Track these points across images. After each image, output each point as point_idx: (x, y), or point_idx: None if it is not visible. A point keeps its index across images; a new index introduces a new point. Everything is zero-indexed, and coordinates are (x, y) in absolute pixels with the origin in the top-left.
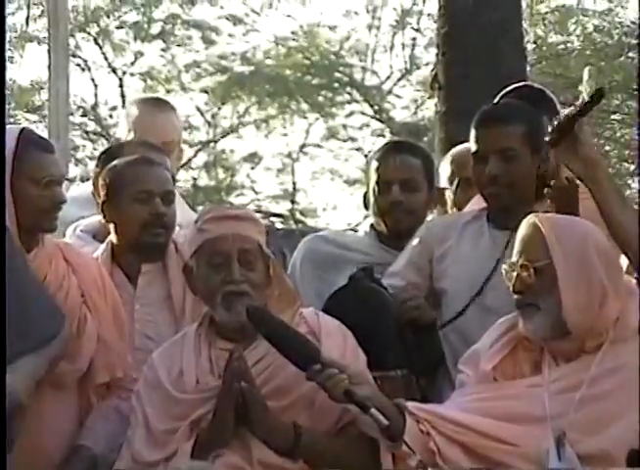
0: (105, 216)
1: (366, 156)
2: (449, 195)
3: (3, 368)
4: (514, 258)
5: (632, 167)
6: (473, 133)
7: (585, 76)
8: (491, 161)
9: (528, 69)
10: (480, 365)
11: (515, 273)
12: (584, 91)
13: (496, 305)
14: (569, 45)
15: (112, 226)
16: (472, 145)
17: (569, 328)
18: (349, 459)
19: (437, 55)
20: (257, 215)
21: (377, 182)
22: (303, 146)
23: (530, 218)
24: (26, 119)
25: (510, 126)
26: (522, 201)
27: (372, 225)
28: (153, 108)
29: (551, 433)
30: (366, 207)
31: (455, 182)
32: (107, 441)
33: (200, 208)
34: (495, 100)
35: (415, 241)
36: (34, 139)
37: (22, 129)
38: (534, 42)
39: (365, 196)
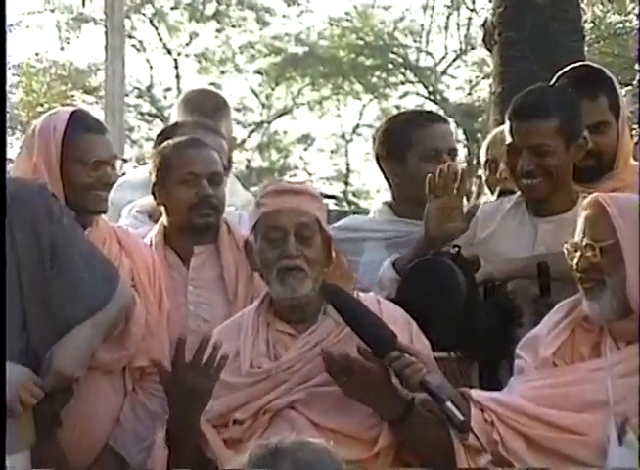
0: (155, 198)
1: None
2: (484, 178)
3: (3, 368)
4: (577, 238)
5: None
6: (507, 124)
7: None
8: (524, 155)
9: (586, 48)
10: (539, 351)
11: (578, 252)
12: None
13: None
14: (627, 24)
15: (162, 208)
16: (506, 136)
17: (632, 307)
18: (439, 442)
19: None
20: (317, 191)
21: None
22: (357, 127)
23: (594, 198)
24: (83, 101)
25: (544, 121)
26: (558, 189)
27: (384, 202)
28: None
29: (612, 418)
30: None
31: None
32: (136, 443)
33: (253, 189)
34: (552, 81)
35: None
36: (84, 120)
37: (74, 111)
38: (592, 22)
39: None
